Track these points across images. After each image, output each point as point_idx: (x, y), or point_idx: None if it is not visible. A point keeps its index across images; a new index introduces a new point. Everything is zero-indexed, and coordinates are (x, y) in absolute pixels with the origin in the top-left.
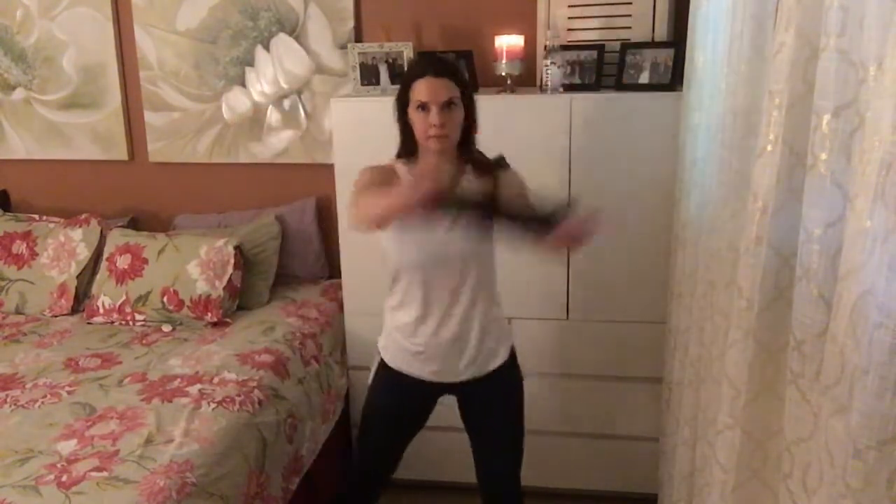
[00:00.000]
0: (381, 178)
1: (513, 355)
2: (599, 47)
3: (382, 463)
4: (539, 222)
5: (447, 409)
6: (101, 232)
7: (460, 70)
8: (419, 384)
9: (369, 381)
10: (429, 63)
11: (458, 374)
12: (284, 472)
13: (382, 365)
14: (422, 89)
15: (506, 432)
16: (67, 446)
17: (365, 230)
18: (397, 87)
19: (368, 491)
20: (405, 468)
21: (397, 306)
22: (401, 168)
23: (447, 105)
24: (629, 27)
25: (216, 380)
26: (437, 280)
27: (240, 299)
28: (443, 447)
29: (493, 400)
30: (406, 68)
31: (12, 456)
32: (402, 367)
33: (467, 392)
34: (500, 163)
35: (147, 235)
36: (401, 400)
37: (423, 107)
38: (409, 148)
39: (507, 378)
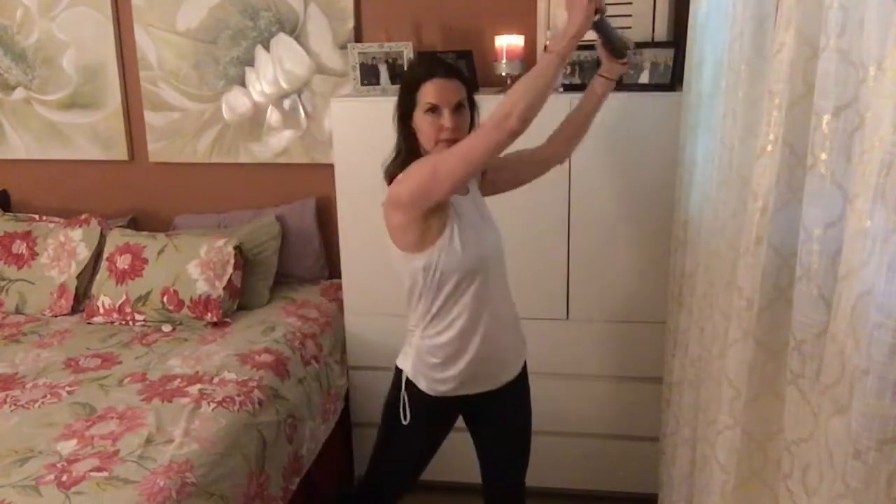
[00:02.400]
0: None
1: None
2: None
3: (411, 480)
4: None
5: None
6: (101, 232)
7: (460, 70)
8: (457, 401)
9: (399, 407)
10: (436, 64)
11: (496, 382)
12: (284, 472)
13: (418, 394)
14: (431, 91)
15: (522, 438)
16: (67, 446)
17: (520, 122)
18: (398, 87)
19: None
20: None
21: (441, 326)
22: None
23: (458, 107)
24: (629, 27)
25: (216, 380)
26: (491, 280)
27: (240, 299)
28: (443, 447)
29: (516, 406)
30: (407, 70)
31: (12, 456)
32: (442, 391)
33: (490, 398)
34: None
35: (147, 235)
36: (439, 426)
37: (434, 109)
38: (409, 154)
39: (526, 383)
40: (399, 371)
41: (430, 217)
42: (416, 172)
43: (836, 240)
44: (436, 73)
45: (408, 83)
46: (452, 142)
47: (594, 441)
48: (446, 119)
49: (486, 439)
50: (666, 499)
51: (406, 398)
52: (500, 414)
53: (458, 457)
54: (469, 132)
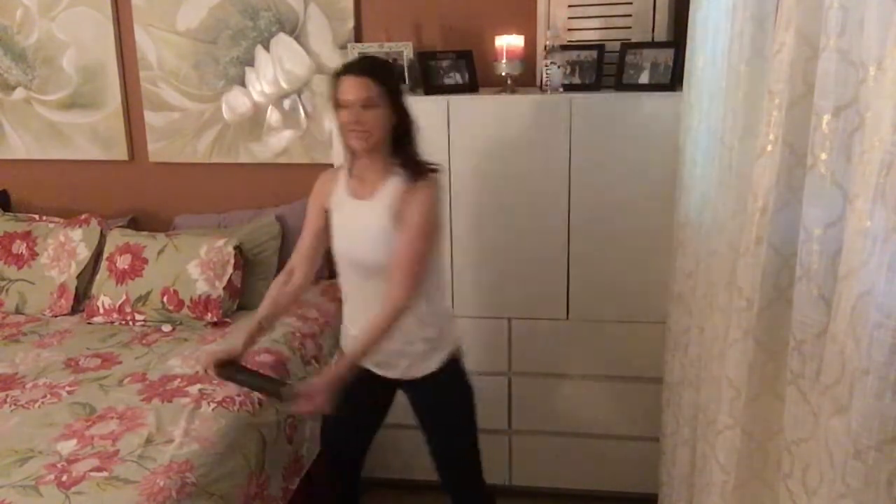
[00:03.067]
0: (319, 192)
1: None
2: (599, 47)
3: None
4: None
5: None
6: (101, 232)
7: (386, 69)
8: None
9: None
10: (354, 62)
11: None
12: (284, 472)
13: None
14: (341, 88)
15: (439, 439)
16: (67, 446)
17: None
18: None
19: (336, 479)
20: (405, 468)
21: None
22: (344, 170)
23: (367, 105)
24: (629, 27)
25: (216, 380)
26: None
27: (240, 299)
28: None
29: (424, 405)
30: (408, 69)
31: (12, 456)
32: None
33: (404, 387)
34: (426, 172)
35: (147, 235)
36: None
37: (343, 104)
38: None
39: (433, 387)
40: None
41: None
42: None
43: (836, 240)
44: (349, 71)
45: (331, 80)
46: (362, 135)
47: (594, 441)
48: (350, 114)
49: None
50: (666, 499)
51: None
52: (415, 409)
53: None
54: (391, 129)
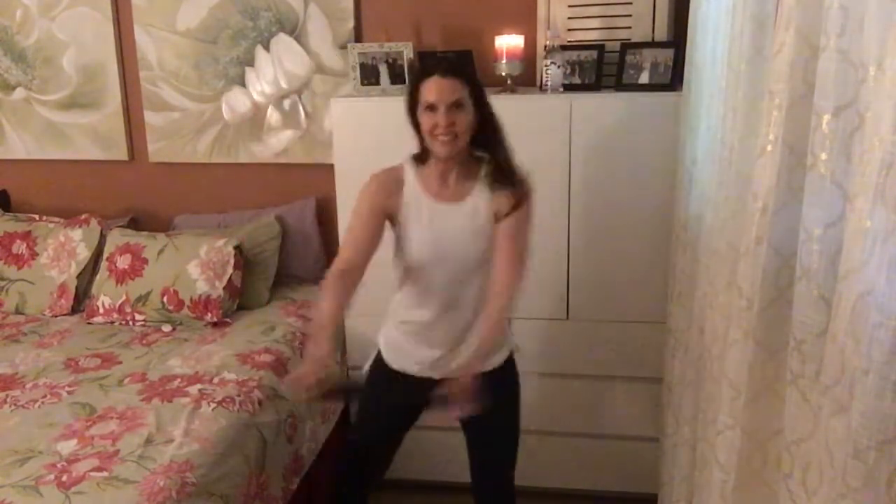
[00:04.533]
0: (378, 194)
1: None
2: (599, 47)
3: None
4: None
5: None
6: (101, 232)
7: (470, 68)
8: (400, 376)
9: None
10: (436, 63)
11: (435, 372)
12: (284, 472)
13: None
14: (429, 89)
15: (503, 436)
16: (67, 446)
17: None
18: (398, 87)
19: (362, 483)
20: (404, 468)
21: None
22: (409, 171)
23: (455, 105)
24: (629, 27)
25: (216, 380)
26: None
27: (240, 299)
28: (442, 447)
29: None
30: (409, 69)
31: (12, 456)
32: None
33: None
34: (518, 186)
35: (147, 235)
36: (388, 388)
37: (431, 107)
38: (424, 150)
39: (504, 381)
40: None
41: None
42: (359, 194)
43: (836, 240)
44: (435, 72)
45: (412, 81)
46: (450, 138)
47: (594, 441)
48: (440, 116)
49: (467, 437)
50: (666, 499)
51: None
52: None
53: (456, 457)
54: (476, 129)
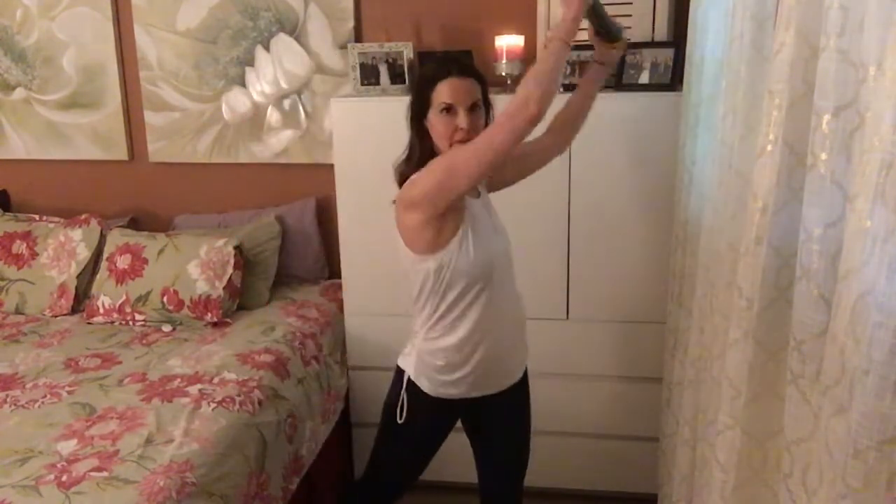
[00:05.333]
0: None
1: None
2: None
3: (408, 480)
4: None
5: None
6: (101, 232)
7: (479, 69)
8: (458, 403)
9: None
10: (451, 63)
11: (498, 386)
12: (284, 472)
13: (419, 395)
14: (447, 91)
15: (521, 444)
16: (67, 446)
17: (539, 107)
18: (398, 86)
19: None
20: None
21: (445, 328)
22: None
23: (473, 107)
24: (629, 27)
25: (216, 380)
26: (496, 285)
27: (240, 299)
28: (445, 447)
29: (516, 411)
30: (421, 69)
31: (12, 456)
32: (443, 393)
33: (491, 402)
34: None
35: (147, 235)
36: (438, 427)
37: (449, 109)
38: (422, 156)
39: (526, 388)
40: (400, 371)
41: (446, 218)
42: (431, 171)
43: (836, 240)
44: (451, 73)
45: (422, 82)
46: (467, 141)
47: (594, 441)
48: (462, 119)
49: (486, 443)
50: (666, 499)
51: (406, 398)
52: (500, 418)
53: (457, 457)
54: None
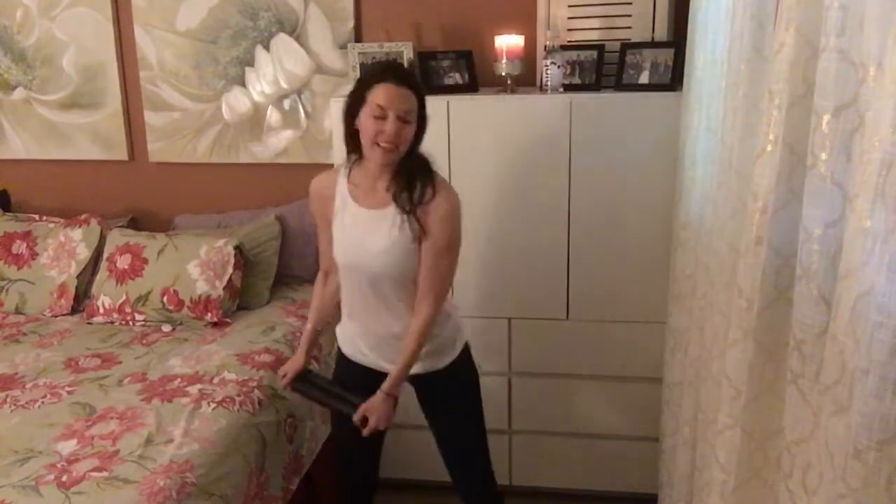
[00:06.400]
0: (319, 198)
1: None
2: (599, 47)
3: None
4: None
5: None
6: (101, 232)
7: (417, 79)
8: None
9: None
10: (393, 69)
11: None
12: (284, 472)
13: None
14: (382, 94)
15: (450, 436)
16: (67, 446)
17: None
18: None
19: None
20: (403, 468)
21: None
22: (342, 174)
23: (406, 118)
24: (629, 27)
25: (216, 380)
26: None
27: (240, 299)
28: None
29: (435, 402)
30: (365, 69)
31: (12, 456)
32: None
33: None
34: (433, 175)
35: (147, 235)
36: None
37: (381, 113)
38: (353, 149)
39: (441, 382)
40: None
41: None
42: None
43: (836, 240)
44: (390, 78)
45: (361, 82)
46: (391, 150)
47: (594, 441)
48: (389, 125)
49: (432, 429)
50: (666, 499)
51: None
52: (432, 401)
53: None
54: (413, 143)
